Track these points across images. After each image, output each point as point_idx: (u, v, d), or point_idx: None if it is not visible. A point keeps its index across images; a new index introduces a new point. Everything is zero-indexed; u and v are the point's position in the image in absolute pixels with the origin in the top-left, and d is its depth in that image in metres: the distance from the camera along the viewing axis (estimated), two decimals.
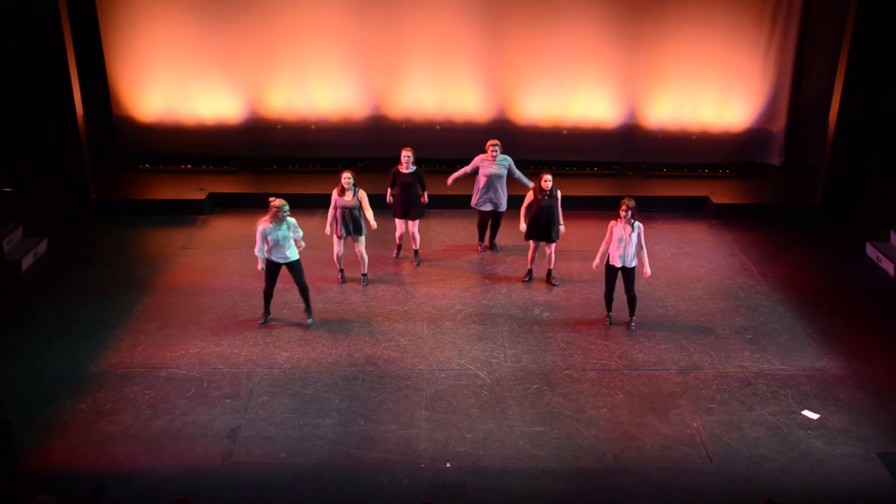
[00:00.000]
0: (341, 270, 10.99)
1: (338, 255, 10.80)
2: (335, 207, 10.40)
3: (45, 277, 11.12)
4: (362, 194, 10.42)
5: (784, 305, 10.57)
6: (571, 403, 8.51)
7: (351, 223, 10.41)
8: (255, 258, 9.71)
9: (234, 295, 10.60)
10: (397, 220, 11.31)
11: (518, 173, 11.52)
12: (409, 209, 11.11)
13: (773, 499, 6.70)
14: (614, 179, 14.36)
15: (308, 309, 9.90)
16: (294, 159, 14.52)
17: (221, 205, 13.40)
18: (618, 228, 9.49)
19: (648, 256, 11.30)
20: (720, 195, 13.68)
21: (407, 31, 13.79)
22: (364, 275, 10.94)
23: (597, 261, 9.89)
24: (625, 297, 9.82)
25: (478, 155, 11.48)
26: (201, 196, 13.36)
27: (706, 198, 13.58)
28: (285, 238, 9.43)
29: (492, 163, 11.30)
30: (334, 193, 10.41)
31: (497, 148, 11.27)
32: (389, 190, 11.31)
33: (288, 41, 13.77)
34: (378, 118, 14.30)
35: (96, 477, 7.22)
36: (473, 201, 11.56)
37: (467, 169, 11.56)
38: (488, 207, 11.45)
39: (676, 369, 9.15)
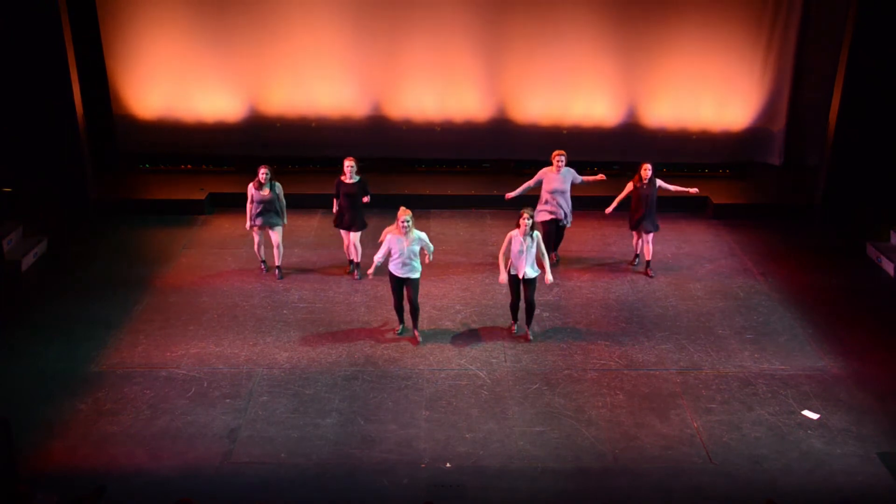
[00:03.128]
0: (263, 261, 11.15)
1: (258, 246, 10.97)
2: (252, 202, 10.63)
3: (45, 277, 11.12)
4: (279, 188, 10.68)
5: (784, 305, 10.57)
6: (571, 403, 8.51)
7: (268, 214, 10.66)
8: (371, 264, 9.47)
9: (234, 295, 10.60)
10: (342, 232, 11.01)
11: (580, 179, 11.11)
12: (351, 221, 10.81)
13: (773, 499, 6.71)
14: (614, 179, 14.34)
15: (415, 325, 9.61)
16: (294, 158, 14.51)
17: (221, 205, 13.39)
18: (516, 240, 9.25)
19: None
20: (720, 195, 13.68)
21: (407, 30, 13.77)
22: (278, 267, 11.11)
23: (503, 275, 9.36)
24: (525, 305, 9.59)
25: (543, 168, 11.07)
26: (201, 196, 13.36)
27: (706, 198, 13.58)
28: (411, 252, 9.18)
29: (557, 174, 10.93)
30: (251, 188, 10.61)
31: (563, 158, 10.92)
32: (336, 200, 10.84)
33: (288, 41, 13.75)
34: (378, 118, 14.29)
35: (96, 477, 7.22)
36: (536, 217, 10.87)
37: (530, 183, 11.11)
38: (548, 217, 11.06)
39: (676, 369, 9.15)
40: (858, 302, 10.72)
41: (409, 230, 9.15)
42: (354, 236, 11.00)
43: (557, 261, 11.52)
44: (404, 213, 9.15)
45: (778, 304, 10.61)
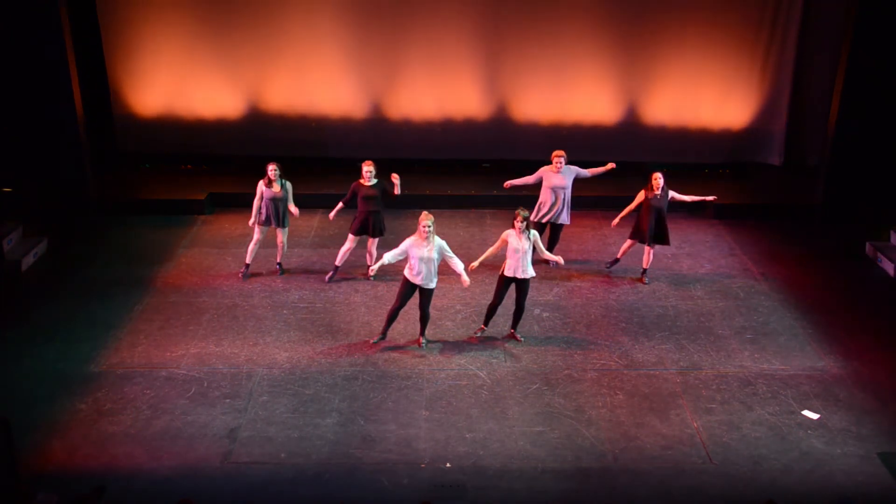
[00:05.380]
0: (247, 265, 11.00)
1: (254, 244, 10.85)
2: (261, 198, 10.59)
3: (45, 277, 11.12)
4: (290, 186, 10.63)
5: (784, 305, 10.57)
6: (571, 403, 8.51)
7: (279, 213, 10.64)
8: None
9: (234, 295, 10.60)
10: (351, 236, 10.69)
11: (587, 173, 11.11)
12: (374, 226, 10.64)
13: (773, 499, 6.71)
14: (614, 179, 14.34)
15: (423, 333, 9.45)
16: (294, 158, 14.49)
17: (221, 205, 13.39)
18: (513, 239, 9.15)
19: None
20: (720, 195, 13.62)
21: (407, 30, 13.78)
22: (279, 264, 11.15)
23: (475, 264, 9.34)
24: (515, 309, 9.57)
25: (543, 167, 11.07)
26: (201, 196, 13.36)
27: None
28: (429, 260, 8.85)
29: (557, 174, 10.94)
30: (261, 185, 10.57)
31: (562, 160, 10.90)
32: (341, 202, 10.59)
33: (288, 40, 13.75)
34: (378, 118, 14.29)
35: (96, 477, 7.22)
36: (534, 216, 11.05)
37: (530, 179, 11.06)
38: (553, 220, 11.14)
39: (676, 369, 9.15)
40: (858, 302, 10.72)
41: (431, 235, 8.87)
42: (371, 242, 10.81)
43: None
44: (426, 218, 8.86)
45: (778, 304, 10.61)
